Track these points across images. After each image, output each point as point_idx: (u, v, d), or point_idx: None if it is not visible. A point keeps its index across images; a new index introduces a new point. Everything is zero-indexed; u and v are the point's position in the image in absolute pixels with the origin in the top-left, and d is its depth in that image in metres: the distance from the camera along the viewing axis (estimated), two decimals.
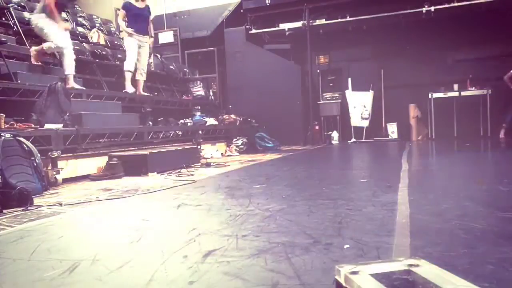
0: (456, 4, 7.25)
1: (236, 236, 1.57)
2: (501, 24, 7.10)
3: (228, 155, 6.16)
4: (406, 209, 1.93)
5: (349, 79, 8.33)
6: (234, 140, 6.82)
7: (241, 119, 7.27)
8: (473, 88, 7.49)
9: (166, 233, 1.76)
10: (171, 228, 1.89)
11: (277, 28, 8.58)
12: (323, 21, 8.36)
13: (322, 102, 8.63)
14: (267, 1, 8.52)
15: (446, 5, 7.28)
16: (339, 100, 8.46)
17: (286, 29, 8.42)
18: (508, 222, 1.68)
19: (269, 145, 7.11)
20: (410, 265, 0.85)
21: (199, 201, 2.41)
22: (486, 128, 7.50)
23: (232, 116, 7.14)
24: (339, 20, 8.09)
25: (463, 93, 7.52)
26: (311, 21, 8.30)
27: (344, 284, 0.83)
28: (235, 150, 6.38)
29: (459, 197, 2.24)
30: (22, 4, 5.80)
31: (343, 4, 7.96)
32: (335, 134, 8.18)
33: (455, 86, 7.60)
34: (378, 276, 0.82)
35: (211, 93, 8.94)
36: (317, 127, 8.37)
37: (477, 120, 7.54)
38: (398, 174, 3.18)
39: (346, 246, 1.39)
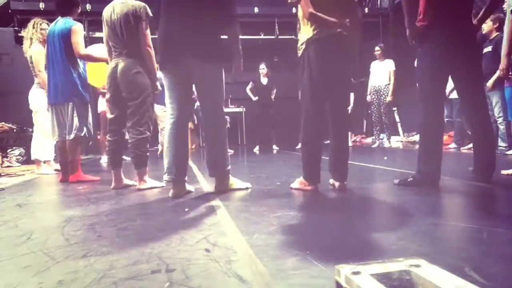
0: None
1: None
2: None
3: (7, 166, 5.71)
4: None
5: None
6: (9, 150, 6.32)
7: (15, 127, 6.73)
8: (233, 106, 9.35)
9: None
10: None
11: None
12: (101, 34, 8.60)
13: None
14: (40, 6, 8.13)
15: None
16: None
17: None
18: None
19: None
20: (410, 265, 0.85)
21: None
22: (242, 137, 9.51)
23: (6, 124, 6.54)
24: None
25: (226, 110, 9.25)
26: (90, 32, 8.43)
27: (344, 285, 0.84)
28: (15, 161, 5.96)
29: None
30: None
31: None
32: None
33: None
34: (378, 277, 0.82)
35: None
36: (98, 137, 8.48)
37: (236, 132, 9.47)
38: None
39: None
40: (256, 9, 8.79)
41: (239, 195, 2.62)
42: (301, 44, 2.58)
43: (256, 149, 7.51)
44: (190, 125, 9.27)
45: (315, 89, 2.56)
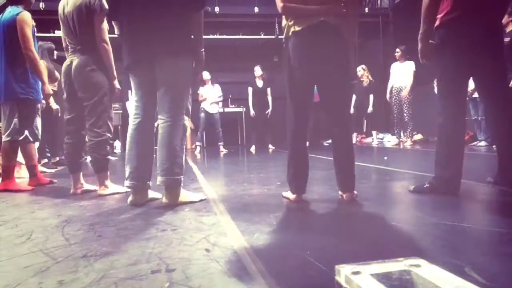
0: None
1: None
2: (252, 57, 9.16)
3: None
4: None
5: (129, 91, 8.82)
6: None
7: None
8: (233, 106, 9.36)
9: None
10: None
11: (52, 34, 8.28)
12: None
13: None
14: (41, 6, 8.15)
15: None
16: (120, 111, 8.85)
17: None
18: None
19: None
20: (411, 265, 0.85)
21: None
22: (242, 137, 9.54)
23: None
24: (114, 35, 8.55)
25: (226, 110, 9.28)
26: None
27: (344, 285, 0.84)
28: None
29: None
30: None
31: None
32: (117, 143, 8.52)
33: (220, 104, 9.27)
34: (378, 277, 0.82)
35: None
36: None
37: (236, 132, 9.50)
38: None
39: None
40: (256, 9, 8.79)
41: (239, 195, 2.61)
42: (283, 43, 2.36)
43: (252, 149, 7.58)
44: (190, 125, 9.28)
45: (296, 87, 2.26)
